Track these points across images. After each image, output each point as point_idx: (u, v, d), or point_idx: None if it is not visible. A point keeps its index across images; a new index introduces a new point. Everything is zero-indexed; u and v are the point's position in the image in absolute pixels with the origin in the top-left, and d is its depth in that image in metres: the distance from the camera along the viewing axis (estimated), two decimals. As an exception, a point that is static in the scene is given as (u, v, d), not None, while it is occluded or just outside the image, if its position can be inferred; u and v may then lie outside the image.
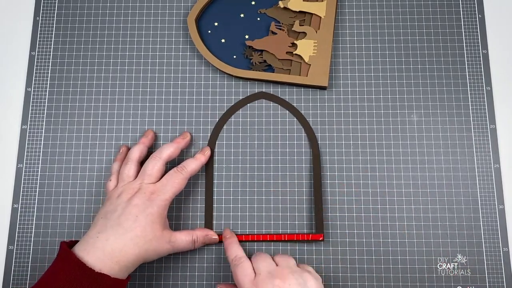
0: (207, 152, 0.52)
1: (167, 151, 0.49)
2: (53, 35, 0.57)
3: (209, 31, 0.57)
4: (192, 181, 0.53)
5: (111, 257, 0.41)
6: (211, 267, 0.51)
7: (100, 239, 0.42)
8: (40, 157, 0.54)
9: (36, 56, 0.57)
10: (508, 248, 0.50)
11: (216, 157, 0.53)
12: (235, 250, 0.46)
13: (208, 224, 0.51)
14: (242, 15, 0.57)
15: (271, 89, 0.55)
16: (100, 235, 0.42)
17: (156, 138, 0.54)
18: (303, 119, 0.54)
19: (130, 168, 0.48)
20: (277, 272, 0.43)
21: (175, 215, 0.52)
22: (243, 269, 0.43)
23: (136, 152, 0.49)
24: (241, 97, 0.55)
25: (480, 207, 0.52)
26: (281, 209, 0.52)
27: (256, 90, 0.55)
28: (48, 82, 0.56)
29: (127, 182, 0.47)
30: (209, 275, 0.50)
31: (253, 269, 0.44)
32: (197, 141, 0.54)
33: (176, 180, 0.47)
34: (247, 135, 0.54)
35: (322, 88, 0.55)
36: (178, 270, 0.50)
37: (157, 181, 0.47)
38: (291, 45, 0.56)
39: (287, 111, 0.55)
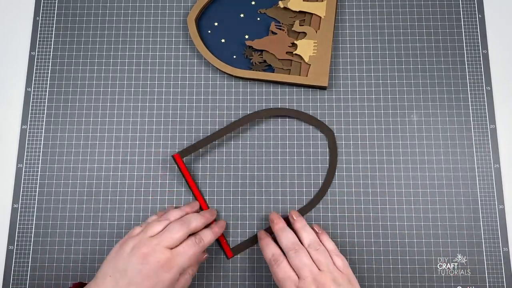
0: (223, 224, 0.50)
1: (196, 223, 0.46)
2: (53, 35, 0.57)
3: (209, 31, 0.57)
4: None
5: None
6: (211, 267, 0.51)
7: None
8: (40, 157, 0.54)
9: (36, 56, 0.57)
10: (508, 248, 0.50)
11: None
12: (271, 249, 0.46)
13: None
14: (242, 15, 0.57)
15: (271, 89, 0.55)
16: None
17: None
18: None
19: (161, 225, 0.45)
20: (321, 279, 0.43)
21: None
22: (285, 271, 0.43)
23: (178, 215, 0.48)
24: (241, 97, 0.55)
25: (480, 207, 0.52)
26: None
27: (256, 90, 0.55)
28: (48, 82, 0.56)
29: (147, 236, 0.44)
30: (209, 275, 0.50)
31: (293, 269, 0.44)
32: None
33: (191, 252, 0.44)
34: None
35: (322, 88, 0.55)
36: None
37: (174, 247, 0.44)
38: (291, 45, 0.56)
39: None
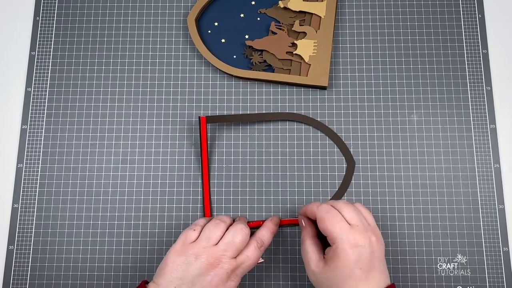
0: (277, 220, 0.49)
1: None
2: (53, 35, 0.57)
3: (209, 31, 0.57)
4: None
5: None
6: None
7: None
8: (40, 157, 0.54)
9: (36, 56, 0.57)
10: (508, 248, 0.50)
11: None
12: (312, 205, 0.45)
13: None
14: (242, 15, 0.57)
15: (271, 89, 0.55)
16: None
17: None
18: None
19: (219, 229, 0.44)
20: (372, 229, 0.42)
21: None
22: (334, 216, 0.42)
23: (230, 219, 0.47)
24: (241, 97, 0.55)
25: (480, 207, 0.52)
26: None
27: (256, 90, 0.55)
28: (48, 82, 0.56)
29: (210, 245, 0.43)
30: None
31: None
32: (197, 140, 0.54)
33: (255, 257, 0.44)
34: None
35: (322, 88, 0.55)
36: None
37: (238, 255, 0.44)
38: (291, 45, 0.56)
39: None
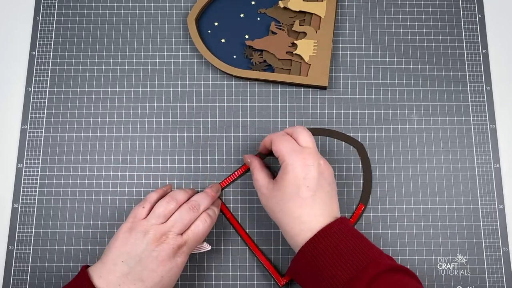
0: (218, 188, 0.51)
1: (204, 205, 0.47)
2: (53, 35, 0.57)
3: (209, 31, 0.57)
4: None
5: None
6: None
7: None
8: (40, 157, 0.54)
9: (36, 56, 0.57)
10: (508, 248, 0.50)
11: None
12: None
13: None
14: (242, 15, 0.57)
15: (271, 89, 0.55)
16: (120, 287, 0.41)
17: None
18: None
19: (169, 207, 0.45)
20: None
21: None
22: (287, 139, 0.44)
23: (184, 196, 0.47)
24: (241, 97, 0.55)
25: (480, 207, 0.52)
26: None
27: (256, 90, 0.55)
28: (48, 82, 0.56)
29: (159, 222, 0.44)
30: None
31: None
32: (198, 140, 0.54)
33: (202, 233, 0.45)
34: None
35: (322, 88, 0.55)
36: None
37: (184, 232, 0.45)
38: (291, 45, 0.56)
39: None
